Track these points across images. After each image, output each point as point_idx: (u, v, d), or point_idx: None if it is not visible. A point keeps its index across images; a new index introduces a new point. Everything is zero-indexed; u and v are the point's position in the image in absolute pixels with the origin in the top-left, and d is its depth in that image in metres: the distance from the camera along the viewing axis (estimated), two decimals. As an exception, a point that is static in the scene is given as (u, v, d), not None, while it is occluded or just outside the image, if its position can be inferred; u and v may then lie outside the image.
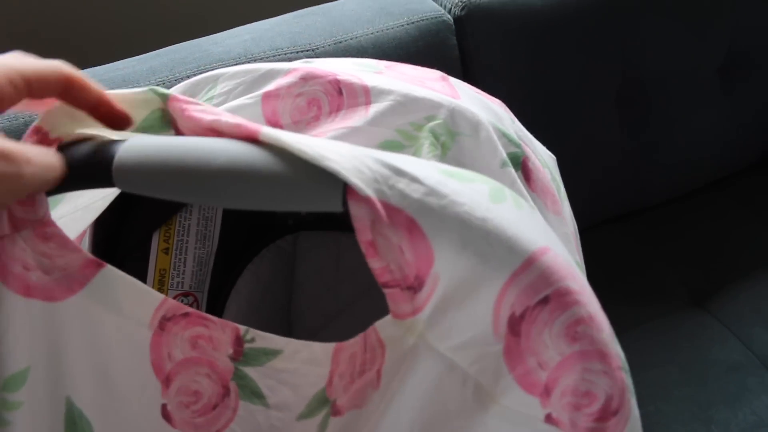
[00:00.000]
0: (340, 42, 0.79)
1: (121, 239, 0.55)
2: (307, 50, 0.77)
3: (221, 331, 0.41)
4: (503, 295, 0.31)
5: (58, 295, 0.36)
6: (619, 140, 0.95)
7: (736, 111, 1.00)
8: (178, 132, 0.36)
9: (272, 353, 0.42)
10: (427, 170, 0.31)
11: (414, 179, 0.31)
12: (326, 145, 0.31)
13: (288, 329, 0.65)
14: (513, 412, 0.33)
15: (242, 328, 0.41)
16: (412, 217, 0.30)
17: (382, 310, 0.65)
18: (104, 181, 0.31)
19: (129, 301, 0.38)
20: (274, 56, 0.77)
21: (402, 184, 0.31)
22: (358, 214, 0.31)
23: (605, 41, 0.90)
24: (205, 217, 0.58)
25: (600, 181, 0.95)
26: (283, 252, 0.63)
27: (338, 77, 0.44)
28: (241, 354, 0.41)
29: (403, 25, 0.81)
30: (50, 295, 0.36)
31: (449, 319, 0.33)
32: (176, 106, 0.35)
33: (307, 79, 0.44)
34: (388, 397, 0.35)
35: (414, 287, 0.32)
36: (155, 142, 0.31)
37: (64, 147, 0.33)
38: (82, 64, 0.83)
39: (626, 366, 0.32)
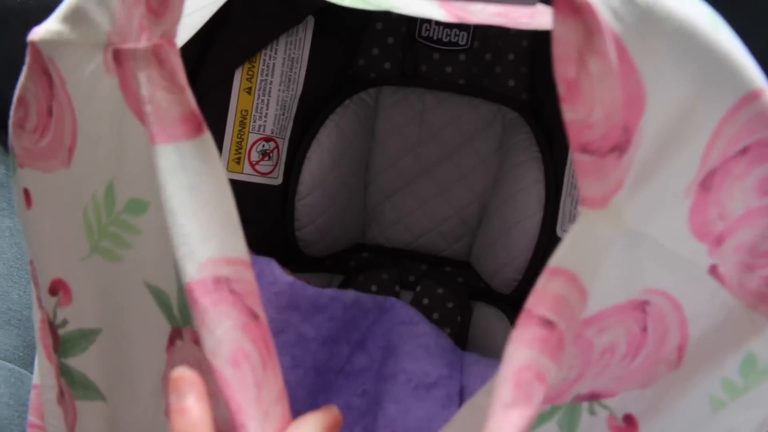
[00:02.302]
0: None
1: (201, 73, 0.51)
2: None
3: (271, 390, 0.29)
4: (718, 135, 0.26)
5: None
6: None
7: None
8: None
9: None
10: None
11: None
12: None
13: (365, 189, 0.62)
14: (677, 258, 0.29)
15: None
16: (622, 40, 0.24)
17: (463, 175, 0.61)
18: None
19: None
20: None
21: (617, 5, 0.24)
22: (563, 34, 0.23)
23: None
24: (290, 58, 0.53)
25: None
26: (366, 105, 0.59)
27: None
28: None
29: None
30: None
31: (654, 187, 0.27)
32: None
33: None
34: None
35: (620, 146, 0.25)
36: None
37: None
38: None
39: None
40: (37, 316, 0.39)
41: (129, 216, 0.33)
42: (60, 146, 0.33)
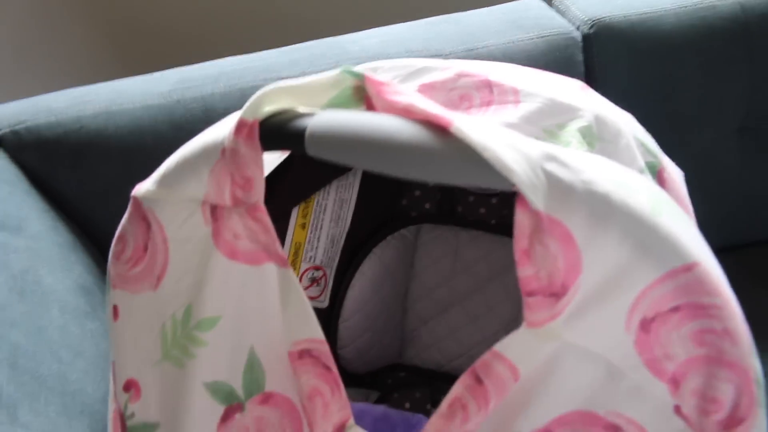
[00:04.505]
0: (471, 50, 0.82)
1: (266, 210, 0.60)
2: (439, 55, 0.81)
3: (337, 405, 0.42)
4: (644, 295, 0.32)
5: (260, 259, 0.41)
6: (737, 169, 0.94)
7: None
8: (371, 108, 0.39)
9: None
10: (599, 172, 0.32)
11: (588, 188, 0.32)
12: (510, 146, 0.32)
13: (403, 314, 0.69)
14: (644, 392, 0.35)
15: (351, 420, 0.42)
16: (569, 230, 0.32)
17: (492, 306, 0.67)
18: (297, 146, 0.36)
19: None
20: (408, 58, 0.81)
21: (575, 199, 0.31)
22: (522, 221, 0.32)
23: (733, 69, 0.89)
24: (341, 199, 0.62)
25: (715, 208, 0.94)
26: (406, 240, 0.67)
27: (489, 78, 0.47)
28: None
29: (532, 39, 0.84)
30: (253, 259, 0.41)
31: (588, 319, 0.34)
32: (371, 86, 0.38)
33: (461, 75, 0.47)
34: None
35: (558, 294, 0.33)
36: (345, 115, 0.35)
37: (265, 120, 0.37)
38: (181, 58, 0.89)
39: (760, 379, 0.33)
40: (111, 407, 0.46)
41: (198, 332, 0.42)
42: (150, 274, 0.42)
